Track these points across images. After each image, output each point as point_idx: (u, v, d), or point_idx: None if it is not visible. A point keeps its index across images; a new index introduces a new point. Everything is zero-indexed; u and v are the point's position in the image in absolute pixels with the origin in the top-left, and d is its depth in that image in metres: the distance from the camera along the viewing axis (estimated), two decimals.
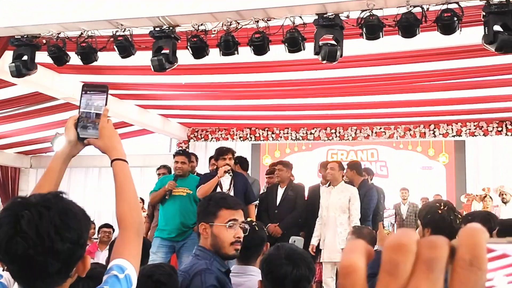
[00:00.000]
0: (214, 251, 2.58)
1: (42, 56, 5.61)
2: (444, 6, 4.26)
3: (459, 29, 4.34)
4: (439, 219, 3.11)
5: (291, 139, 11.30)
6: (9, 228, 1.32)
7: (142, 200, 9.44)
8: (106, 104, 1.81)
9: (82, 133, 1.79)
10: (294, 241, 2.45)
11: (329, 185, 6.99)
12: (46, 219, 1.33)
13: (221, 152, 6.19)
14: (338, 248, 6.10)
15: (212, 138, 11.77)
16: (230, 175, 6.00)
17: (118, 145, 1.81)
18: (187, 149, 11.14)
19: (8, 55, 5.72)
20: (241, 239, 2.59)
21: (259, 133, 11.48)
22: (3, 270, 1.46)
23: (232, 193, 5.81)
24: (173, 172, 6.59)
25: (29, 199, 1.39)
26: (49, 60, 5.54)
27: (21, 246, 1.31)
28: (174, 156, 6.56)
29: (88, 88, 1.84)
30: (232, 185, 5.99)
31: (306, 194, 7.35)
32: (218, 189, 5.84)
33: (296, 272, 2.22)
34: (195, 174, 7.12)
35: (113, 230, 8.15)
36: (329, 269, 6.34)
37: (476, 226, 0.47)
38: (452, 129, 10.22)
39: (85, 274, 1.49)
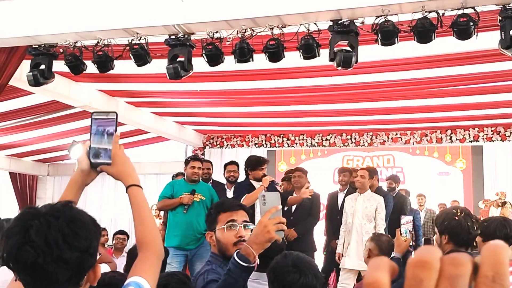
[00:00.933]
0: (223, 256, 2.59)
1: (59, 65, 5.68)
2: (460, 11, 4.23)
3: (475, 34, 4.31)
4: (456, 226, 3.09)
5: (307, 145, 11.30)
6: (19, 237, 1.34)
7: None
8: (116, 130, 1.81)
9: (94, 161, 1.79)
10: (264, 196, 2.20)
11: (347, 191, 6.96)
12: (54, 228, 1.35)
13: (259, 163, 6.26)
14: (361, 254, 6.06)
15: (227, 145, 11.80)
16: (278, 185, 6.03)
17: (132, 171, 1.82)
18: (203, 156, 11.19)
19: (26, 64, 5.80)
20: (245, 238, 2.57)
21: (274, 140, 11.49)
22: (16, 280, 1.47)
23: None
24: (186, 177, 6.43)
25: (39, 209, 1.41)
26: (66, 69, 5.60)
27: (30, 255, 1.33)
28: (189, 161, 6.42)
29: (97, 115, 1.83)
30: None
31: (325, 201, 7.36)
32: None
33: (303, 280, 2.20)
34: (211, 181, 7.12)
35: (128, 237, 8.13)
36: (352, 276, 6.26)
37: (499, 243, 0.47)
38: (469, 134, 10.14)
39: (96, 283, 1.50)
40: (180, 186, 6.29)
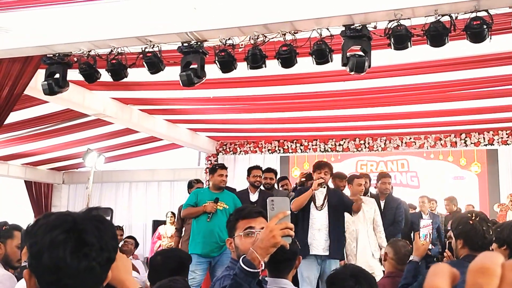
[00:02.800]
0: None
1: (73, 74, 5.72)
2: (473, 14, 4.21)
3: (489, 37, 4.28)
4: (470, 230, 3.06)
5: (320, 151, 11.27)
6: (72, 244, 1.31)
7: (174, 214, 9.50)
8: None
9: None
10: (272, 201, 2.16)
11: None
12: (104, 232, 1.37)
13: (319, 166, 6.09)
14: (371, 258, 6.06)
15: (240, 151, 11.81)
16: (324, 187, 5.88)
17: (130, 275, 1.77)
18: (216, 162, 11.20)
19: (41, 73, 5.85)
20: None
21: (287, 146, 11.47)
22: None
23: (326, 208, 5.77)
24: (212, 184, 6.41)
25: (76, 215, 1.39)
26: (80, 78, 5.64)
27: (85, 260, 1.31)
28: (217, 168, 6.42)
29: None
30: (326, 200, 5.91)
31: None
32: (312, 204, 5.80)
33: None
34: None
35: (136, 243, 8.25)
36: None
37: None
38: (484, 138, 10.06)
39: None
40: (204, 195, 6.35)
